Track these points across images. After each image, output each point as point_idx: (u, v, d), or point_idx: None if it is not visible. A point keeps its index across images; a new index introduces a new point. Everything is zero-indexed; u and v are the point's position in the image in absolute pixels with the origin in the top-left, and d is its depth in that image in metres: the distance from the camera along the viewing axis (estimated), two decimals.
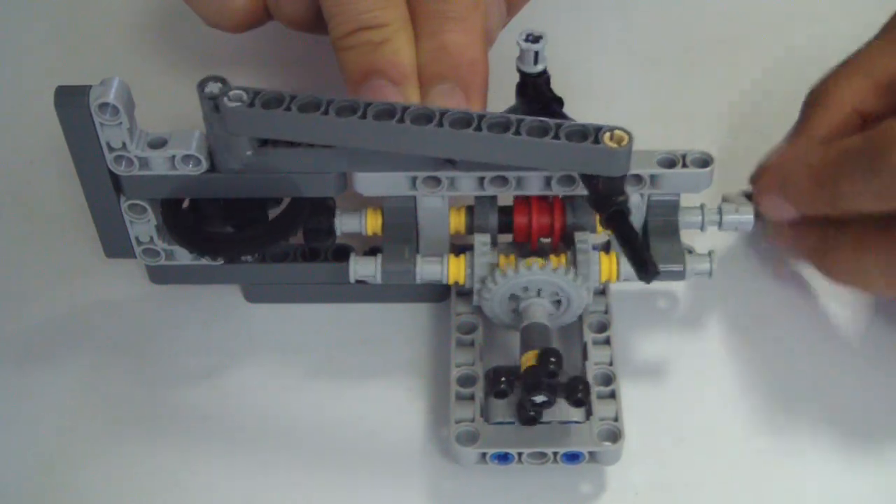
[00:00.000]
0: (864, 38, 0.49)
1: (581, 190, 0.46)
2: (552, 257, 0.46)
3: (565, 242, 0.48)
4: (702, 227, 0.48)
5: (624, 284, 0.49)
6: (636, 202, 0.47)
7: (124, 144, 0.45)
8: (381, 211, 0.48)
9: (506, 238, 0.49)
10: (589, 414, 0.45)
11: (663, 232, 0.48)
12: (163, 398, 0.48)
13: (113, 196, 0.47)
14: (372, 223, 0.48)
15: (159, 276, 0.51)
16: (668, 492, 0.45)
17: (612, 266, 0.47)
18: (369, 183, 0.46)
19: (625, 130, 0.41)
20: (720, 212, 0.48)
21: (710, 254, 0.48)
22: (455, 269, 0.47)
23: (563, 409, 0.44)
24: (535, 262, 0.45)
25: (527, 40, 0.45)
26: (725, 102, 0.58)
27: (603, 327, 0.48)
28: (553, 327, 0.46)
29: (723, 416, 0.47)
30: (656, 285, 0.50)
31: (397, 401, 0.48)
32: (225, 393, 0.48)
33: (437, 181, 0.46)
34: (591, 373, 0.46)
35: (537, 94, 0.46)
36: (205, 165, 0.45)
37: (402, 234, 0.48)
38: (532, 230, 0.48)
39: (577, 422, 0.44)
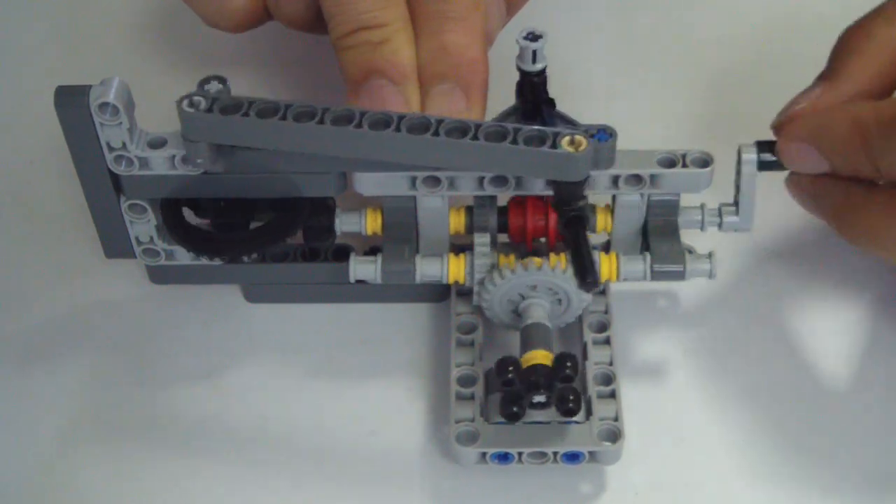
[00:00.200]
0: None
1: None
2: (552, 256, 0.46)
3: (565, 242, 0.48)
4: (702, 227, 0.48)
5: (624, 284, 0.49)
6: (636, 202, 0.47)
7: (124, 144, 0.45)
8: (381, 211, 0.48)
9: (506, 238, 0.49)
10: (589, 414, 0.45)
11: (663, 232, 0.48)
12: (163, 398, 0.48)
13: (113, 196, 0.47)
14: (372, 223, 0.48)
15: (159, 276, 0.51)
16: (668, 492, 0.45)
17: (612, 266, 0.47)
18: (369, 183, 0.46)
19: (584, 136, 0.41)
20: (720, 212, 0.48)
21: (710, 254, 0.48)
22: (455, 269, 0.47)
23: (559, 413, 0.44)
24: (535, 261, 0.45)
25: (526, 38, 0.45)
26: (726, 102, 0.58)
27: (603, 327, 0.48)
28: (553, 327, 0.47)
29: (723, 416, 0.47)
30: (656, 285, 0.50)
31: (397, 401, 0.48)
32: (225, 393, 0.48)
33: (437, 181, 0.46)
34: (591, 372, 0.46)
35: (533, 93, 0.46)
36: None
37: (402, 234, 0.48)
38: (527, 231, 0.48)
39: (577, 422, 0.44)
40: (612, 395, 0.46)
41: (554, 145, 0.41)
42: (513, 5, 0.51)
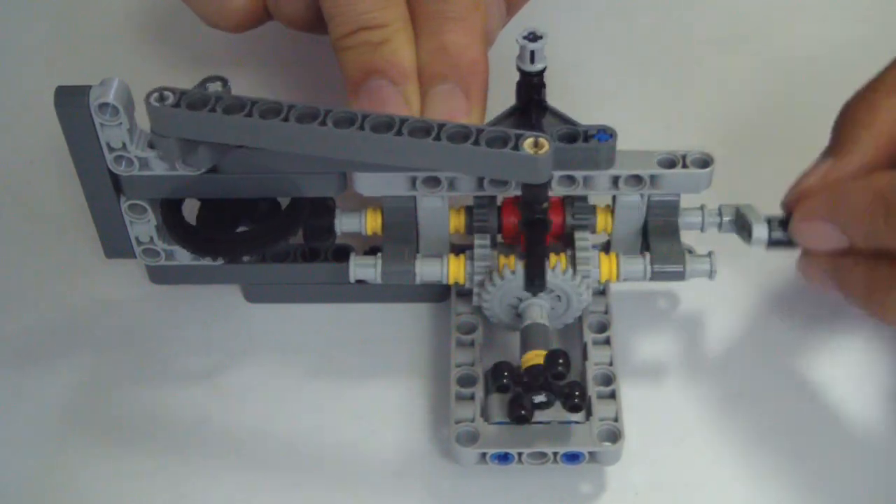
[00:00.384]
0: (864, 38, 0.49)
1: (581, 190, 0.46)
2: (552, 257, 0.46)
3: (564, 242, 0.48)
4: (702, 228, 0.48)
5: (624, 284, 0.49)
6: (636, 202, 0.47)
7: (124, 144, 0.45)
8: (381, 211, 0.48)
9: None
10: (589, 414, 0.45)
11: (663, 232, 0.48)
12: (163, 398, 0.48)
13: (113, 196, 0.47)
14: (372, 223, 0.48)
15: (159, 276, 0.51)
16: (668, 492, 0.45)
17: (612, 266, 0.47)
18: (369, 183, 0.46)
19: (546, 138, 0.41)
20: (720, 213, 0.48)
21: (709, 254, 0.48)
22: (455, 269, 0.47)
23: (564, 409, 0.44)
24: None
25: (526, 38, 0.45)
26: (726, 102, 0.58)
27: (603, 327, 0.48)
28: (553, 327, 0.47)
29: (722, 416, 0.47)
30: (656, 285, 0.50)
31: (397, 401, 0.48)
32: (225, 393, 0.48)
33: (437, 181, 0.46)
34: (591, 373, 0.46)
35: (528, 94, 0.46)
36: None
37: (402, 234, 0.48)
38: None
39: (577, 422, 0.45)
40: (612, 395, 0.46)
41: (516, 147, 0.41)
42: (513, 5, 0.51)
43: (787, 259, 0.52)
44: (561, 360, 0.43)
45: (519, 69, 0.46)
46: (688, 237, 0.49)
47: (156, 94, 0.42)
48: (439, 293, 0.50)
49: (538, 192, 0.42)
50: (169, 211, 0.47)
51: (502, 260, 0.46)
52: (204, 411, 0.48)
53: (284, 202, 0.48)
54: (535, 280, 0.43)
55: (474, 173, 0.43)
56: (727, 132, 0.56)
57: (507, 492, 0.45)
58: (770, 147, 0.55)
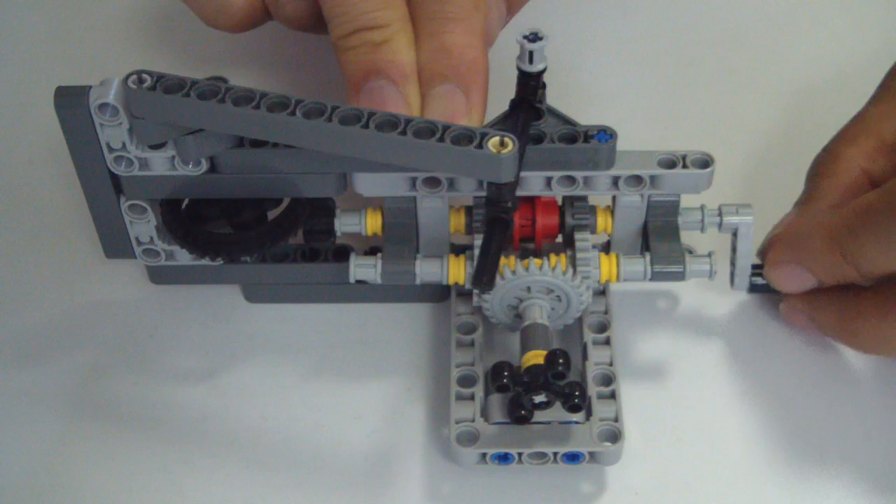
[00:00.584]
0: (863, 37, 0.49)
1: (581, 190, 0.46)
2: (552, 257, 0.46)
3: (564, 242, 0.49)
4: (702, 229, 0.48)
5: (624, 284, 0.49)
6: (636, 203, 0.47)
7: (124, 145, 0.45)
8: (381, 211, 0.48)
9: None
10: (589, 414, 0.45)
11: (663, 232, 0.48)
12: (163, 398, 0.48)
13: (113, 196, 0.47)
14: (372, 223, 0.48)
15: (159, 276, 0.51)
16: (668, 492, 0.45)
17: (612, 266, 0.47)
18: (369, 183, 0.46)
19: (511, 138, 0.41)
20: (720, 213, 0.48)
21: (710, 254, 0.48)
22: (455, 270, 0.47)
23: (563, 409, 0.44)
24: (535, 262, 0.45)
25: (526, 38, 0.45)
26: (726, 102, 0.58)
27: (603, 327, 0.48)
28: (553, 327, 0.47)
29: (723, 416, 0.47)
30: (656, 285, 0.50)
31: (397, 401, 0.48)
32: (225, 393, 0.48)
33: (437, 181, 0.46)
34: (591, 373, 0.46)
35: (521, 93, 0.46)
36: (205, 166, 0.46)
37: (402, 234, 0.48)
38: (513, 231, 0.48)
39: (577, 422, 0.44)
40: (612, 395, 0.46)
41: (480, 145, 0.41)
42: (513, 5, 0.51)
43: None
44: (561, 360, 0.43)
45: (519, 69, 0.46)
46: (688, 237, 0.49)
47: (134, 77, 0.43)
48: (439, 293, 0.50)
49: (502, 191, 0.42)
50: (169, 211, 0.47)
51: (503, 260, 0.46)
52: (204, 411, 0.48)
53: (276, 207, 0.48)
54: (482, 277, 0.42)
55: (440, 170, 0.43)
56: (727, 132, 0.56)
57: (507, 492, 0.45)
58: (770, 147, 0.55)
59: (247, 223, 0.48)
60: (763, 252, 0.49)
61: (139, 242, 0.49)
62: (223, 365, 0.49)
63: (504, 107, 0.46)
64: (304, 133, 0.42)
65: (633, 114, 0.57)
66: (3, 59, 0.62)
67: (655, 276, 0.47)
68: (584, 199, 0.48)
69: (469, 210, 0.48)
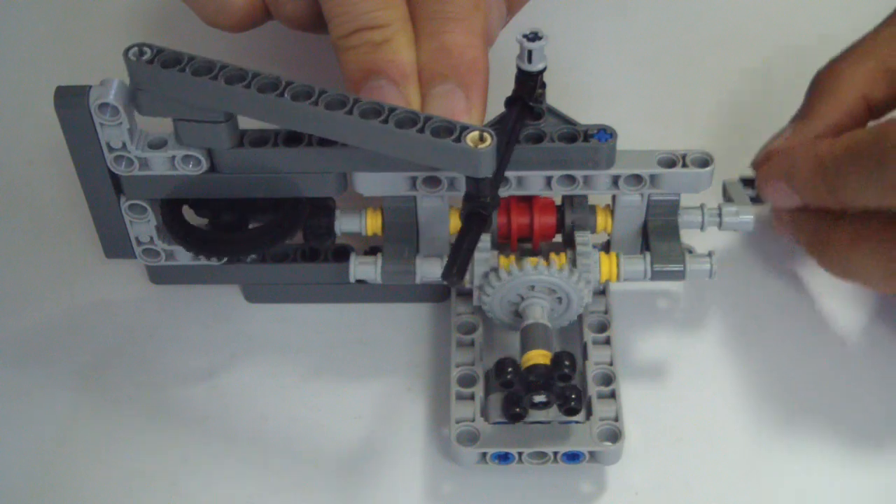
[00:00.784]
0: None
1: (581, 190, 0.46)
2: (552, 256, 0.46)
3: (564, 242, 0.49)
4: (702, 228, 0.48)
5: (624, 284, 0.49)
6: (636, 202, 0.47)
7: (124, 145, 0.45)
8: (381, 211, 0.48)
9: None
10: (589, 414, 0.45)
11: (663, 232, 0.48)
12: (163, 398, 0.48)
13: (113, 196, 0.47)
14: (372, 223, 0.48)
15: (159, 276, 0.51)
16: (668, 492, 0.45)
17: (612, 266, 0.47)
18: (369, 183, 0.46)
19: (490, 133, 0.41)
20: (720, 212, 0.48)
21: (709, 254, 0.48)
22: None
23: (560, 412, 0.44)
24: (535, 262, 0.45)
25: (525, 37, 0.45)
26: (726, 102, 0.58)
27: (603, 327, 0.48)
28: (553, 327, 0.47)
29: (723, 416, 0.47)
30: (656, 285, 0.50)
31: (397, 401, 0.48)
32: (225, 393, 0.48)
33: (437, 181, 0.46)
34: (591, 373, 0.46)
35: (518, 91, 0.46)
36: (205, 165, 0.46)
37: (402, 234, 0.48)
38: (511, 231, 0.48)
39: (577, 421, 0.44)
40: (612, 395, 0.46)
41: (458, 139, 0.41)
42: (513, 5, 0.51)
43: (787, 260, 0.52)
44: (567, 362, 0.43)
45: (518, 68, 0.46)
46: (688, 237, 0.49)
47: (135, 49, 0.43)
48: (439, 293, 0.50)
49: (481, 186, 0.42)
50: (169, 211, 0.47)
51: (503, 260, 0.46)
52: (204, 411, 0.48)
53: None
54: (452, 270, 0.42)
55: (420, 160, 0.43)
56: (727, 132, 0.56)
57: (507, 492, 0.45)
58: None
59: (229, 226, 0.48)
60: (757, 164, 0.50)
61: (139, 242, 0.49)
62: (223, 365, 0.49)
63: (503, 106, 0.46)
64: (289, 114, 0.42)
65: (633, 114, 0.57)
66: (3, 59, 0.62)
67: (655, 276, 0.47)
68: (584, 198, 0.48)
69: None
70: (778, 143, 0.49)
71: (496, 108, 0.46)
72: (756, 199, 0.50)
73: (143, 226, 0.48)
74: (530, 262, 0.45)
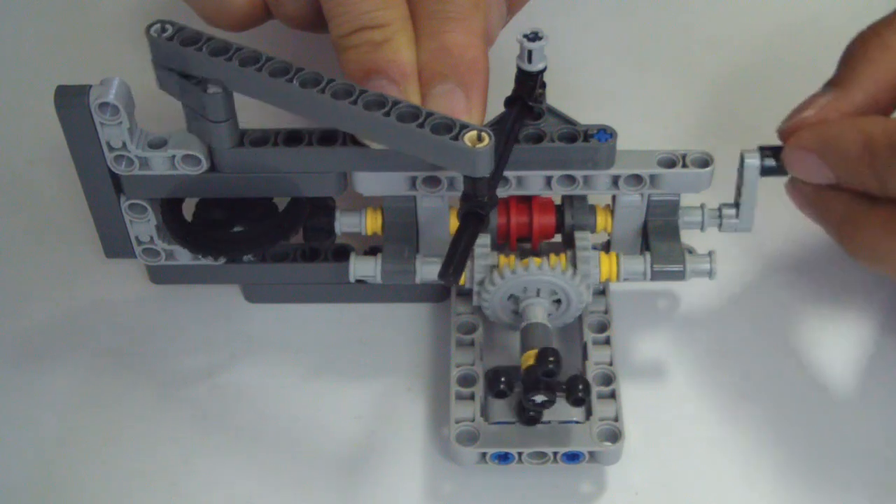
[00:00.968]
0: None
1: (581, 190, 0.46)
2: (552, 256, 0.46)
3: (564, 242, 0.49)
4: (702, 228, 0.48)
5: (624, 284, 0.49)
6: (636, 202, 0.47)
7: (124, 144, 0.45)
8: (381, 211, 0.48)
9: None
10: (589, 414, 0.45)
11: (663, 232, 0.48)
12: (163, 398, 0.48)
13: (113, 196, 0.47)
14: (372, 223, 0.48)
15: (159, 276, 0.51)
16: (668, 492, 0.45)
17: (612, 266, 0.47)
18: (369, 183, 0.46)
19: (489, 133, 0.41)
20: (720, 213, 0.48)
21: (710, 254, 0.48)
22: None
23: (563, 409, 0.44)
24: (535, 261, 0.45)
25: (525, 37, 0.45)
26: (725, 102, 0.58)
27: (603, 327, 0.48)
28: (553, 327, 0.47)
29: (722, 416, 0.47)
30: (656, 285, 0.50)
31: (397, 401, 0.48)
32: (225, 393, 0.48)
33: (437, 181, 0.46)
34: (591, 373, 0.46)
35: (517, 91, 0.46)
36: (205, 165, 0.46)
37: (402, 234, 0.48)
38: (510, 230, 0.48)
39: (577, 422, 0.44)
40: (612, 395, 0.46)
41: (456, 137, 0.41)
42: (513, 5, 0.51)
43: (788, 258, 0.52)
44: (551, 358, 0.43)
45: (518, 68, 0.46)
46: (688, 237, 0.49)
47: (157, 26, 0.44)
48: (439, 293, 0.50)
49: (478, 185, 0.42)
50: (169, 211, 0.47)
51: (502, 260, 0.46)
52: (204, 411, 0.48)
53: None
54: (449, 269, 0.42)
55: (419, 155, 0.43)
56: (727, 131, 0.56)
57: (507, 492, 0.45)
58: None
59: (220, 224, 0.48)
60: (785, 133, 0.46)
61: (139, 242, 0.49)
62: (223, 365, 0.49)
63: (503, 106, 0.46)
64: (296, 100, 0.42)
65: (633, 114, 0.57)
66: (3, 59, 0.62)
67: (655, 276, 0.47)
68: (584, 198, 0.48)
69: None
70: (812, 113, 0.45)
71: (496, 107, 0.46)
72: (774, 170, 0.46)
73: (143, 225, 0.48)
74: (532, 262, 0.45)
